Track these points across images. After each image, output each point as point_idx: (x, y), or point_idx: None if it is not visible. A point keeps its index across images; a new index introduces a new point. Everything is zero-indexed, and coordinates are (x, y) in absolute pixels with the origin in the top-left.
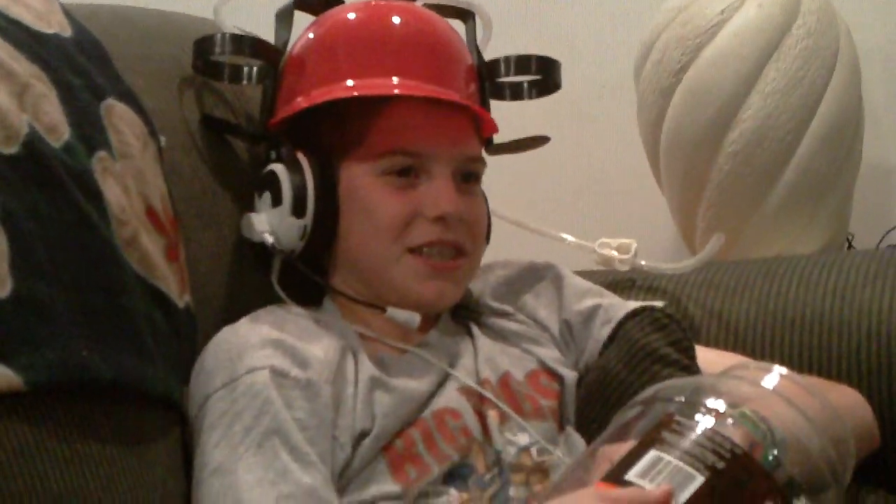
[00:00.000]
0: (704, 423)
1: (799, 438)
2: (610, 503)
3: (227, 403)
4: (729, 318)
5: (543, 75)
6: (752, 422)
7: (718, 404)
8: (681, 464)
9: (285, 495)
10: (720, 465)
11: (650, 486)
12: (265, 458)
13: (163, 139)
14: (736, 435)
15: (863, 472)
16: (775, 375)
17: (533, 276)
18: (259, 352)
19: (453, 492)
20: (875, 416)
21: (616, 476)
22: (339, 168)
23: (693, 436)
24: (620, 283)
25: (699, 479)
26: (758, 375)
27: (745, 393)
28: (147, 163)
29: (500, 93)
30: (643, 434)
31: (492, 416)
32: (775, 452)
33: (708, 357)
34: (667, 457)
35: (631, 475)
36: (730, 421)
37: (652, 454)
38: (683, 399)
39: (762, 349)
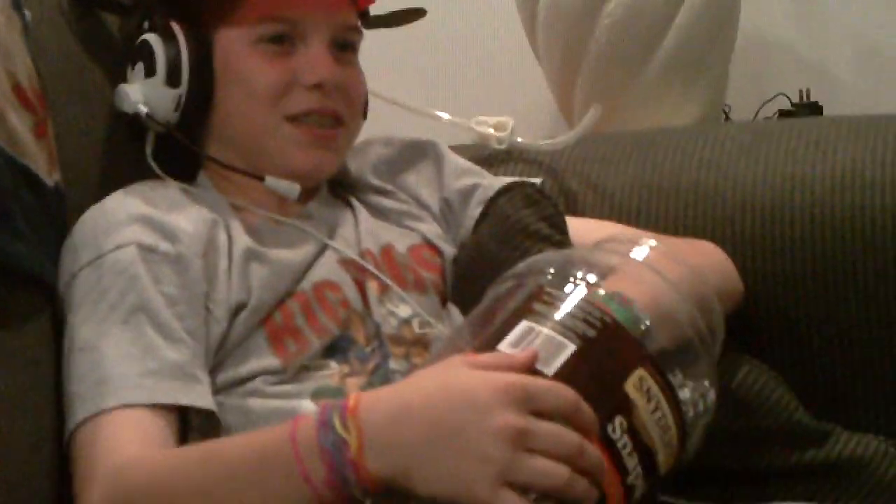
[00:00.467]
0: (575, 293)
1: (668, 310)
2: (477, 367)
3: (94, 280)
4: (605, 189)
5: None
6: (617, 303)
7: (589, 276)
8: (552, 333)
9: (151, 371)
10: (591, 333)
11: None
12: (131, 333)
13: (28, 14)
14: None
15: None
16: (644, 247)
17: (414, 154)
18: (126, 228)
19: (334, 365)
20: (747, 286)
21: (487, 346)
22: (214, 37)
23: (563, 306)
24: (498, 156)
25: (570, 348)
26: (627, 247)
27: (615, 264)
28: (12, 39)
29: None
30: (515, 306)
31: (371, 287)
32: (647, 322)
33: (584, 227)
34: (538, 327)
35: (502, 345)
36: (601, 292)
37: (523, 325)
38: (554, 271)
39: (638, 219)
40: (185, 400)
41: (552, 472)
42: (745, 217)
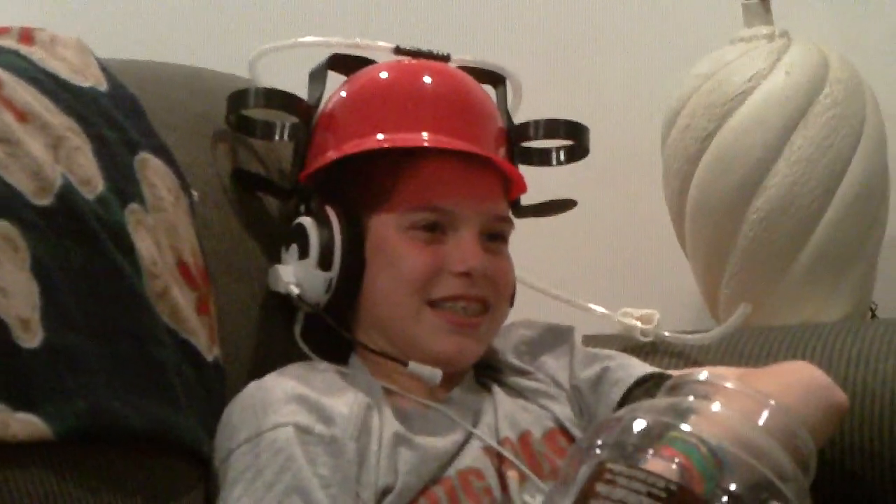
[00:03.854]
0: (636, 464)
1: (745, 448)
2: None
3: (251, 458)
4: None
5: (572, 140)
6: (685, 443)
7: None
8: None
9: None
10: None
11: None
12: None
13: (195, 193)
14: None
15: None
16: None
17: (553, 337)
18: (284, 407)
19: None
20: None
21: None
22: (367, 221)
23: (625, 483)
24: (644, 347)
25: None
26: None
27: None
28: (179, 216)
29: (528, 157)
30: (580, 489)
31: (511, 476)
32: (714, 475)
33: None
34: None
35: None
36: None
37: None
38: (613, 441)
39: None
40: None
41: None
42: (893, 415)
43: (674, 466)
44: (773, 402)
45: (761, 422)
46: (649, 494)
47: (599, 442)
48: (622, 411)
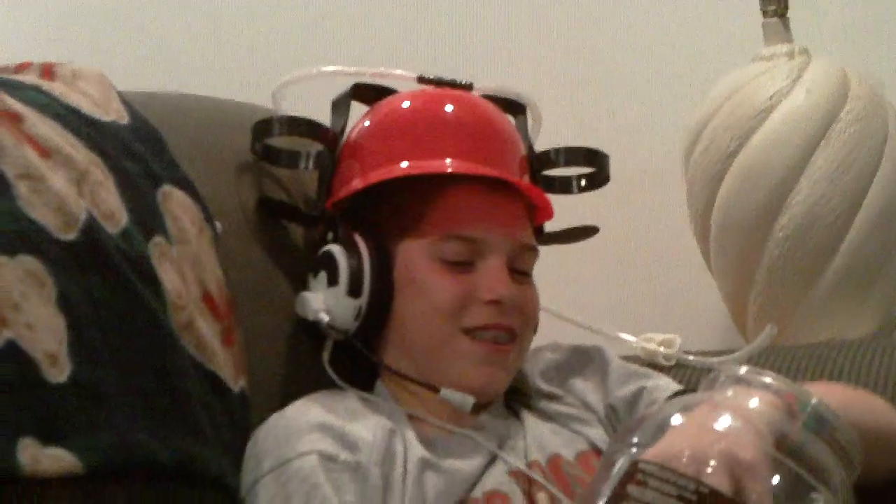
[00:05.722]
0: (668, 464)
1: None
2: None
3: (276, 487)
4: None
5: (592, 167)
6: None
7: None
8: None
9: None
10: None
11: None
12: None
13: (218, 225)
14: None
15: None
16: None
17: (581, 359)
18: (307, 436)
19: None
20: None
21: None
22: (395, 249)
23: (657, 484)
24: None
25: None
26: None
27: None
28: (203, 248)
29: (550, 185)
30: (611, 492)
31: (541, 498)
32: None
33: None
34: None
35: None
36: None
37: None
38: (646, 440)
39: None
40: None
41: None
42: None
43: (709, 470)
44: (814, 399)
45: (800, 418)
46: (679, 497)
47: (635, 440)
48: (657, 407)
